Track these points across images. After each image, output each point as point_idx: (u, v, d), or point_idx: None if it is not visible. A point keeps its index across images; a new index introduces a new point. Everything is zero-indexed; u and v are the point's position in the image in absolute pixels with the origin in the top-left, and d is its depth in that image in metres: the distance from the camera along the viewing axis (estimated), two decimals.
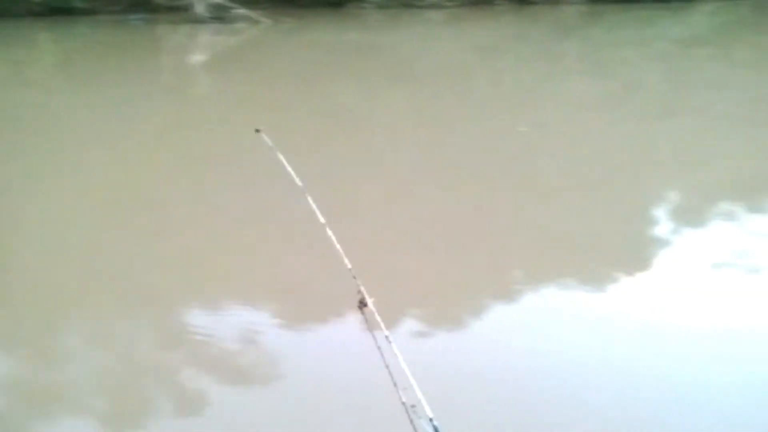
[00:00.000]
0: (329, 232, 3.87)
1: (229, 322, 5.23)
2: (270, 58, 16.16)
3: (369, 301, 3.25)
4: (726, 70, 14.29)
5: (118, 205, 7.17)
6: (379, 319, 3.12)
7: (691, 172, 8.23)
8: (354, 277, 3.43)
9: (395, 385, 2.82)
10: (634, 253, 6.22)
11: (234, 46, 18.47)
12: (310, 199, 4.22)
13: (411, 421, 2.62)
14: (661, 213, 7.13)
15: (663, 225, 6.81)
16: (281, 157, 4.76)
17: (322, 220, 3.97)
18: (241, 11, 19.89)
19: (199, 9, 19.96)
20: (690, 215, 7.06)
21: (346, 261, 3.61)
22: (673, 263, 6.03)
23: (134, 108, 11.28)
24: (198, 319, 5.29)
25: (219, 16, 20.03)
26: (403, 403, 2.71)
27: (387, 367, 2.92)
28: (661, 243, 6.40)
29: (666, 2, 22.94)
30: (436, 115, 10.87)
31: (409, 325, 4.89)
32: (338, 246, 3.71)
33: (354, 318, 3.36)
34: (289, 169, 4.58)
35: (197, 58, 17.21)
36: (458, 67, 14.98)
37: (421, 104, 11.67)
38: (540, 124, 9.96)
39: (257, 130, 5.06)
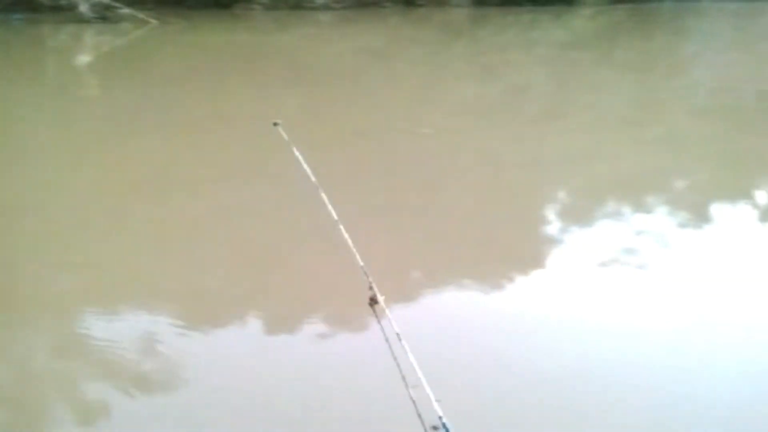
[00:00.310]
0: (342, 229, 3.84)
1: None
2: (160, 59, 15.87)
3: (380, 298, 3.24)
4: (607, 72, 14.84)
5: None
6: (390, 316, 3.11)
7: (578, 172, 8.51)
8: (365, 275, 3.41)
9: (405, 382, 2.83)
10: (528, 252, 6.44)
11: (121, 46, 18.05)
12: (324, 196, 4.19)
13: (420, 419, 2.64)
14: (551, 213, 7.38)
15: (554, 224, 7.04)
16: (297, 153, 4.70)
17: (335, 216, 3.94)
18: (127, 11, 19.44)
19: (83, 8, 19.41)
20: (578, 215, 7.31)
21: (358, 258, 3.58)
22: (566, 261, 6.25)
23: (16, 108, 10.95)
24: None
25: (104, 15, 19.53)
26: (413, 401, 2.72)
27: (397, 364, 2.91)
28: (554, 242, 6.63)
29: (546, 6, 23.58)
30: (332, 117, 10.92)
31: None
32: (350, 243, 3.69)
33: (365, 315, 3.32)
34: (305, 165, 4.54)
35: (83, 58, 16.76)
36: (351, 69, 15.07)
37: (315, 106, 11.71)
38: (434, 126, 10.14)
39: (275, 123, 4.99)
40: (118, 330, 4.97)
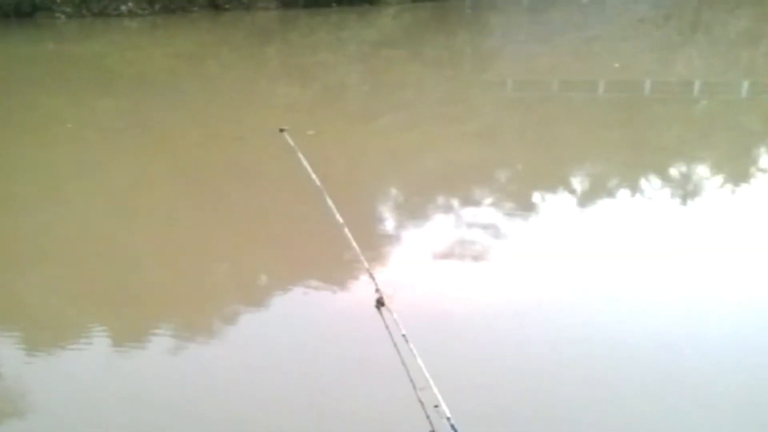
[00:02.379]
0: (347, 232, 3.77)
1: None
2: None
3: (387, 300, 3.20)
4: (419, 69, 15.29)
5: None
6: (396, 318, 3.07)
7: (405, 169, 8.77)
8: (371, 277, 3.36)
9: (413, 384, 2.80)
10: (369, 246, 6.59)
11: None
12: (329, 201, 4.10)
13: (429, 421, 2.62)
14: (385, 210, 7.60)
15: (389, 221, 7.26)
16: (302, 158, 4.58)
17: (340, 220, 3.85)
18: None
19: None
20: (411, 211, 7.56)
21: (363, 259, 3.53)
22: (406, 256, 6.44)
23: None
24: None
25: None
26: (421, 403, 2.71)
27: (405, 366, 2.87)
28: (391, 238, 6.82)
29: (351, 6, 23.97)
30: (151, 122, 10.75)
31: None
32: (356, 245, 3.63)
33: (371, 317, 3.26)
34: (309, 169, 4.42)
35: None
36: (164, 75, 14.80)
37: (132, 112, 11.51)
38: (255, 130, 10.11)
39: (281, 130, 4.84)
40: None
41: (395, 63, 16.06)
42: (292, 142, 4.88)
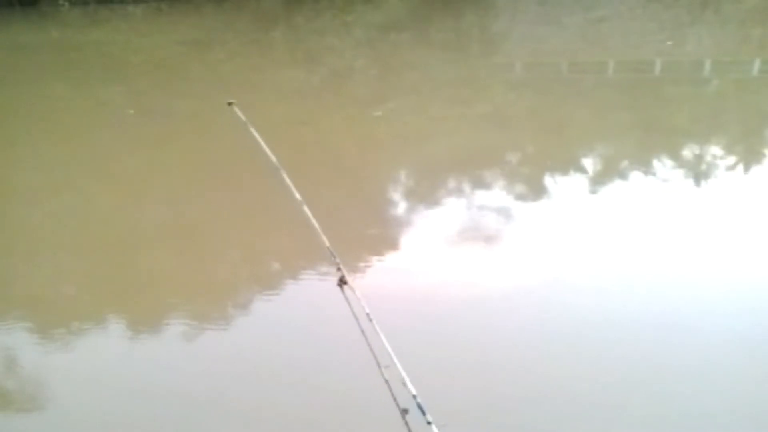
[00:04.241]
0: (306, 210, 3.71)
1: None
2: None
3: (349, 278, 3.16)
4: (426, 52, 15.16)
5: None
6: (359, 296, 3.04)
7: (415, 153, 8.70)
8: (333, 255, 3.31)
9: (377, 363, 2.76)
10: (382, 231, 6.54)
11: None
12: (286, 177, 4.05)
13: (394, 399, 2.58)
14: (396, 194, 7.53)
15: (399, 205, 7.20)
16: (254, 132, 4.52)
17: (298, 197, 3.81)
18: None
19: None
20: (422, 194, 7.50)
21: (324, 238, 3.48)
22: (420, 240, 6.39)
23: None
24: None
25: None
26: (386, 381, 2.66)
27: (368, 344, 2.83)
28: (403, 222, 6.77)
29: None
30: (157, 109, 10.70)
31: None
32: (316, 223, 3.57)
33: (334, 296, 3.21)
34: (264, 144, 4.36)
35: None
36: (170, 61, 14.74)
37: (139, 99, 11.47)
38: (260, 113, 10.04)
39: (229, 103, 4.77)
40: None
41: (402, 46, 15.95)
42: (243, 117, 4.80)
